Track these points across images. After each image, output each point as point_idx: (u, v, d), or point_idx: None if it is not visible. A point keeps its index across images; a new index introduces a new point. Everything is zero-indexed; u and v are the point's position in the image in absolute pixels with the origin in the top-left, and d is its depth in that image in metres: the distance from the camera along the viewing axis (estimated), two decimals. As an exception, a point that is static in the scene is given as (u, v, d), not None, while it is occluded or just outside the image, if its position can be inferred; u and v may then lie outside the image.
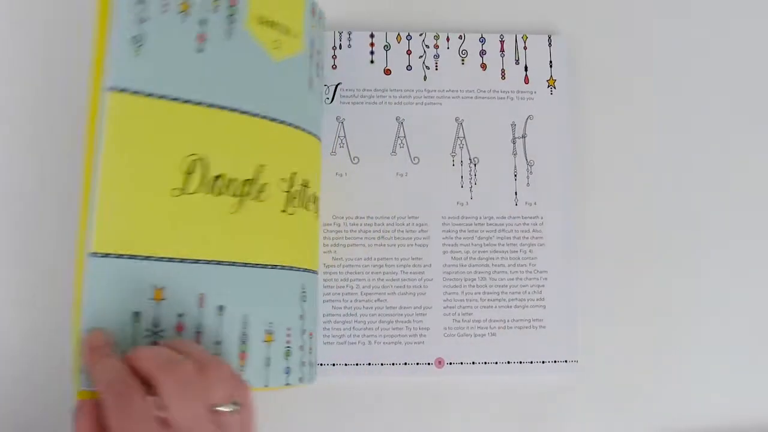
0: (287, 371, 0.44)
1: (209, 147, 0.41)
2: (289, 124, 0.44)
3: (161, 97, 0.40)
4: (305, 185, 0.46)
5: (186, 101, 0.41)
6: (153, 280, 0.39)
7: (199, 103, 0.41)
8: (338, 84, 0.54)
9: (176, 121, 0.40)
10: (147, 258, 0.39)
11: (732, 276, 0.54)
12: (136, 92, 0.40)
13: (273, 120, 0.43)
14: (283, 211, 0.44)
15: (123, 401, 0.34)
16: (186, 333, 0.40)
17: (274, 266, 0.43)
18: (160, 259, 0.40)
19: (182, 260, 0.40)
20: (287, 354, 0.44)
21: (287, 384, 0.44)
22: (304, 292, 0.46)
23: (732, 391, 0.53)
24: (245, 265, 0.42)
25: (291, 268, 0.44)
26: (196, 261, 0.40)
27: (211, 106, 0.41)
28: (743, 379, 0.53)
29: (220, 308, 0.41)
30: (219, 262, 0.41)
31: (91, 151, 0.39)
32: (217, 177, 0.41)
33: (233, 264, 0.41)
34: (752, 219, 0.55)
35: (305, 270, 0.46)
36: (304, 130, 0.46)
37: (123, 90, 0.39)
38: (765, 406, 0.53)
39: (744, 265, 0.55)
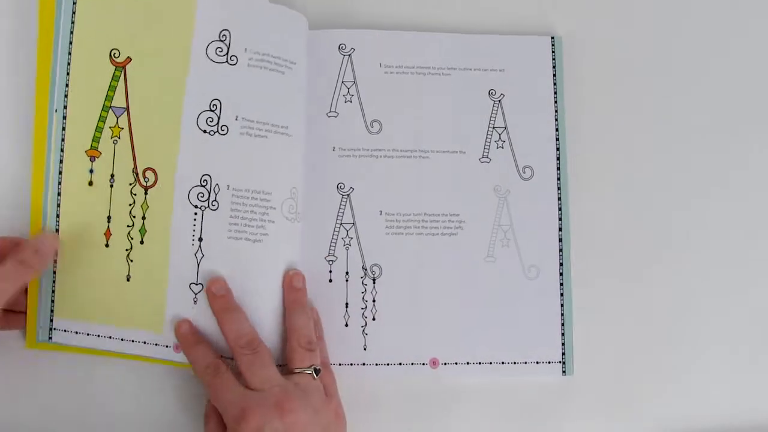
0: None
1: None
2: None
3: None
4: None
5: None
6: None
7: None
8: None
9: None
10: None
11: (731, 275, 0.54)
12: None
13: None
14: None
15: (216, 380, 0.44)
16: None
17: None
18: None
19: None
20: None
21: None
22: None
23: (732, 391, 0.53)
24: None
25: None
26: None
27: None
28: (743, 379, 0.53)
29: None
30: None
31: None
32: None
33: None
34: (750, 218, 0.55)
35: None
36: None
37: None
38: (765, 406, 0.53)
39: (742, 265, 0.54)
